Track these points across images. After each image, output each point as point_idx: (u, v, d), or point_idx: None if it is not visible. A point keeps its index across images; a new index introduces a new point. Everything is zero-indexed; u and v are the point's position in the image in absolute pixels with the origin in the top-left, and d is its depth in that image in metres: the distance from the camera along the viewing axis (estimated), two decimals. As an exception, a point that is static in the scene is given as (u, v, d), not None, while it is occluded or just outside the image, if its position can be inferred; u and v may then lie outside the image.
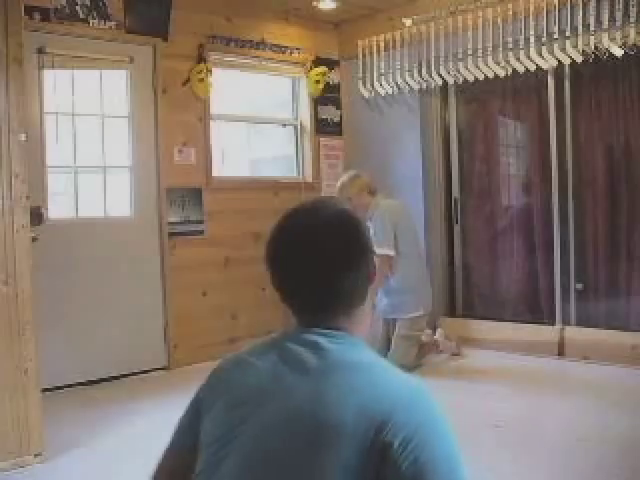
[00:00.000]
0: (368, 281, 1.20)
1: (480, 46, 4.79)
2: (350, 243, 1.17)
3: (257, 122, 5.82)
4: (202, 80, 4.90)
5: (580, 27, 4.29)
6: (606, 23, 4.17)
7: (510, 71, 4.69)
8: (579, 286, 4.73)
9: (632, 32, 4.07)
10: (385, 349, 4.38)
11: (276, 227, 1.21)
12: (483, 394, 3.90)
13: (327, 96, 5.77)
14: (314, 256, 1.14)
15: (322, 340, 1.11)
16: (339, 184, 4.46)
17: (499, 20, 4.68)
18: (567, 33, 4.36)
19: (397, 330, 4.36)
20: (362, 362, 1.09)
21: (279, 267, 1.18)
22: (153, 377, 4.58)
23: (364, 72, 5.50)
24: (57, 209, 4.36)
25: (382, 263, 4.17)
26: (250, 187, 5.35)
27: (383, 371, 1.08)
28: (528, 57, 4.57)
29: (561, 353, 4.64)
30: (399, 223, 4.37)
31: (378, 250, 4.13)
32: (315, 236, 1.16)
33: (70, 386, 4.22)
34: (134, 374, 4.54)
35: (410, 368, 4.13)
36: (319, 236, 1.15)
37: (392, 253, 4.28)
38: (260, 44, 5.34)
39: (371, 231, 4.04)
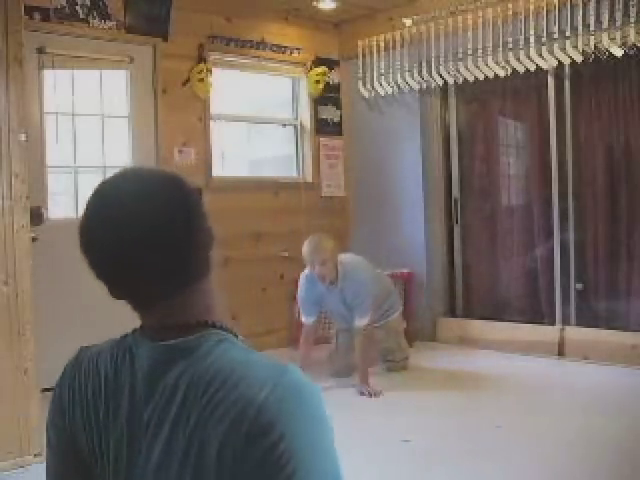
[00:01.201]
0: (203, 248, 1.04)
1: (480, 46, 4.79)
2: (161, 213, 1.01)
3: (257, 122, 5.82)
4: (202, 80, 4.90)
5: (580, 27, 4.29)
6: (606, 23, 4.17)
7: (510, 71, 4.69)
8: (579, 286, 4.73)
9: (632, 32, 4.07)
10: (346, 359, 4.31)
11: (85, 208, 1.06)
12: (483, 394, 3.90)
13: (327, 96, 5.77)
14: (120, 234, 0.99)
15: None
16: (311, 248, 4.02)
17: (499, 20, 4.68)
18: (567, 33, 4.36)
19: (387, 332, 4.36)
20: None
21: (91, 255, 1.03)
22: (153, 377, 4.57)
23: (364, 72, 5.50)
24: (57, 209, 4.36)
25: (367, 335, 4.05)
26: (250, 187, 5.35)
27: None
28: (528, 57, 4.57)
29: (561, 353, 4.64)
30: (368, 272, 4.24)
31: (364, 321, 4.01)
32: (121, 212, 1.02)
33: (70, 386, 4.21)
34: (134, 374, 4.53)
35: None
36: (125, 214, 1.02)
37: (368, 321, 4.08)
38: (260, 44, 5.34)
39: (349, 294, 4.01)
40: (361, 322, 4.04)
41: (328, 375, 4.28)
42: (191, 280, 1.02)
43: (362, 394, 3.97)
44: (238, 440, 0.85)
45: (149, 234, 0.98)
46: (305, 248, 4.04)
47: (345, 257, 4.22)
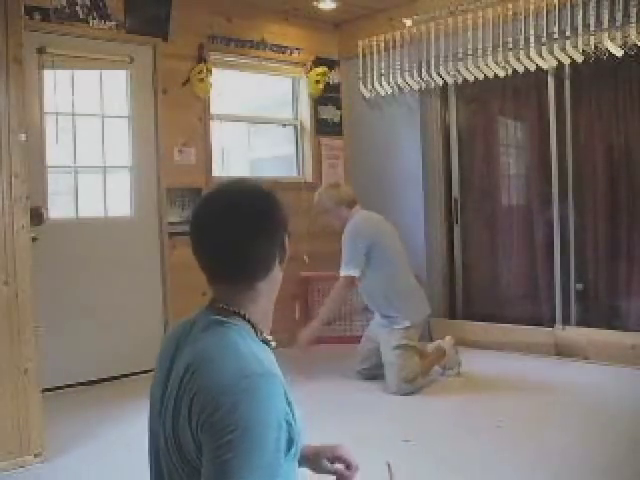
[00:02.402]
0: (270, 256, 1.28)
1: (480, 46, 4.79)
2: (246, 217, 1.25)
3: (257, 122, 5.82)
4: (202, 80, 4.90)
5: (580, 27, 4.29)
6: (606, 23, 4.17)
7: (510, 71, 4.69)
8: (579, 286, 4.73)
9: (632, 32, 4.07)
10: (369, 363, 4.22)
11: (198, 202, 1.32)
12: (483, 395, 3.90)
13: (327, 96, 5.77)
14: (215, 227, 1.24)
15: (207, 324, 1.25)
16: (316, 196, 4.25)
17: (499, 20, 4.68)
18: (567, 33, 4.36)
19: (388, 343, 4.01)
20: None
21: (193, 238, 1.29)
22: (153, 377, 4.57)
23: (364, 72, 5.50)
24: (57, 209, 4.36)
25: (344, 284, 4.06)
26: (250, 187, 5.34)
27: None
28: (528, 57, 4.57)
29: (561, 353, 4.64)
30: (376, 238, 4.09)
31: (342, 271, 4.05)
32: (219, 209, 1.26)
33: (70, 386, 4.22)
34: (134, 374, 4.53)
35: (417, 381, 3.95)
36: (221, 210, 1.26)
37: (356, 274, 4.05)
38: (260, 44, 5.34)
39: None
40: (340, 271, 4.05)
41: (356, 375, 4.27)
42: (246, 278, 1.27)
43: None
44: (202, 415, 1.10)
45: (225, 239, 1.24)
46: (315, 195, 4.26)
47: (363, 215, 4.22)
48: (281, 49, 5.47)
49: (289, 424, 1.15)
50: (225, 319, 1.24)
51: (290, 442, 1.16)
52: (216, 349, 1.17)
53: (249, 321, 1.26)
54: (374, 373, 4.18)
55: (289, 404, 1.18)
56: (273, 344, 1.30)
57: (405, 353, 3.98)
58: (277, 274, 1.31)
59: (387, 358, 4.01)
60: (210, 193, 1.32)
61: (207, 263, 1.27)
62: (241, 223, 1.24)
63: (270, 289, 1.31)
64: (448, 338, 4.38)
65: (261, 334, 1.28)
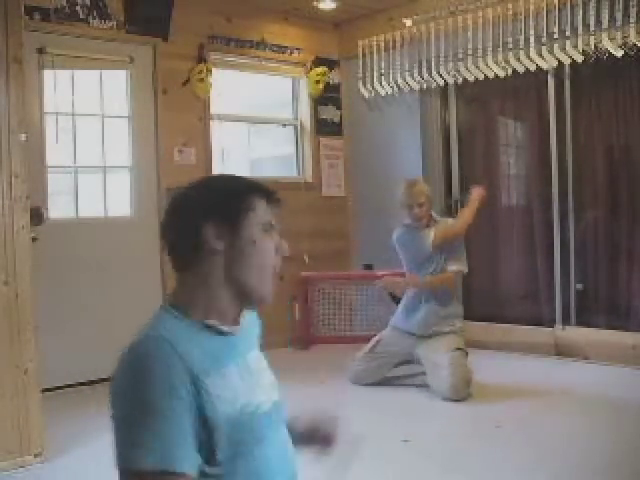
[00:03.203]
0: (193, 248, 1.23)
1: (480, 46, 4.79)
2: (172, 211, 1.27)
3: (257, 122, 5.82)
4: (202, 80, 4.90)
5: (580, 27, 4.29)
6: (606, 23, 4.17)
7: (510, 71, 4.69)
8: (579, 286, 4.73)
9: (632, 32, 4.07)
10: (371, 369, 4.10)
11: None
12: (483, 395, 3.90)
13: (327, 96, 5.77)
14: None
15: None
16: (416, 189, 4.02)
17: (499, 20, 4.68)
18: (567, 33, 4.36)
19: (447, 347, 3.87)
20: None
21: None
22: (153, 377, 4.57)
23: (364, 72, 5.50)
24: (57, 209, 4.36)
25: (455, 279, 4.10)
26: (250, 187, 5.34)
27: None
28: (528, 57, 4.57)
29: (561, 353, 4.64)
30: None
31: (456, 266, 4.01)
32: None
33: (70, 386, 4.22)
34: (134, 374, 4.53)
35: (469, 383, 3.85)
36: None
37: (466, 269, 4.11)
38: (260, 44, 5.34)
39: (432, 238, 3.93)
40: (453, 266, 4.01)
41: (347, 378, 4.18)
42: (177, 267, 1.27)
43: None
44: None
45: (164, 220, 1.29)
46: (404, 190, 4.05)
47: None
48: (281, 49, 5.47)
49: (200, 409, 1.10)
50: (165, 307, 1.23)
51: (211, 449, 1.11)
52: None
53: (177, 307, 1.21)
54: (373, 382, 4.11)
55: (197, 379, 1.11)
56: (224, 329, 1.23)
57: (465, 357, 3.95)
58: (205, 262, 1.22)
59: (447, 360, 3.82)
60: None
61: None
62: (166, 214, 1.28)
63: (206, 276, 1.22)
64: None
65: (202, 320, 1.21)
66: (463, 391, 3.80)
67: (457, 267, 4.04)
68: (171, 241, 1.26)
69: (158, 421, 1.05)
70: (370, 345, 4.15)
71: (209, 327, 1.21)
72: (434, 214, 4.12)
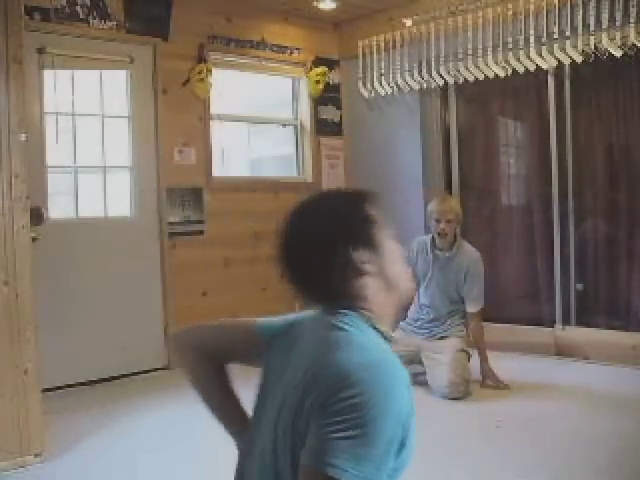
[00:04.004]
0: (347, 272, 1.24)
1: (480, 46, 4.79)
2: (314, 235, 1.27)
3: (257, 122, 5.82)
4: (202, 80, 4.90)
5: (580, 27, 4.29)
6: (606, 23, 4.17)
7: (510, 71, 4.69)
8: (579, 286, 4.73)
9: (632, 32, 4.07)
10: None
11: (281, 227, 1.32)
12: (483, 395, 3.90)
13: (327, 96, 5.77)
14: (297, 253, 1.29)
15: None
16: (447, 205, 4.09)
17: (499, 20, 4.68)
18: (567, 33, 4.36)
19: (450, 347, 3.94)
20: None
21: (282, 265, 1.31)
22: (153, 377, 4.58)
23: (364, 72, 5.50)
24: (57, 209, 4.36)
25: (480, 318, 4.07)
26: (250, 187, 5.35)
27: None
28: (528, 57, 4.57)
29: (561, 353, 4.64)
30: None
31: (479, 306, 4.02)
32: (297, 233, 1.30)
33: (70, 386, 4.22)
34: (134, 374, 4.54)
35: (468, 383, 3.90)
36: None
37: (482, 304, 4.08)
38: (260, 44, 5.34)
39: (463, 266, 3.97)
40: (474, 308, 4.02)
41: None
42: (327, 299, 1.28)
43: (488, 385, 3.96)
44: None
45: (298, 247, 1.28)
46: (436, 203, 4.11)
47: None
48: (281, 49, 5.47)
49: (405, 428, 1.13)
50: (338, 317, 1.24)
51: (401, 446, 1.13)
52: (336, 344, 1.17)
53: (363, 314, 1.26)
54: None
55: (411, 408, 1.16)
56: (392, 338, 1.31)
57: (465, 357, 4.00)
58: (361, 285, 1.26)
59: (448, 358, 3.89)
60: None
61: (296, 283, 1.32)
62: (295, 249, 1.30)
63: (375, 290, 1.27)
64: None
65: (378, 328, 1.27)
66: (460, 388, 3.82)
67: (477, 308, 4.05)
68: (315, 275, 1.26)
69: (383, 446, 1.07)
70: None
71: (385, 337, 1.28)
72: (459, 235, 4.17)
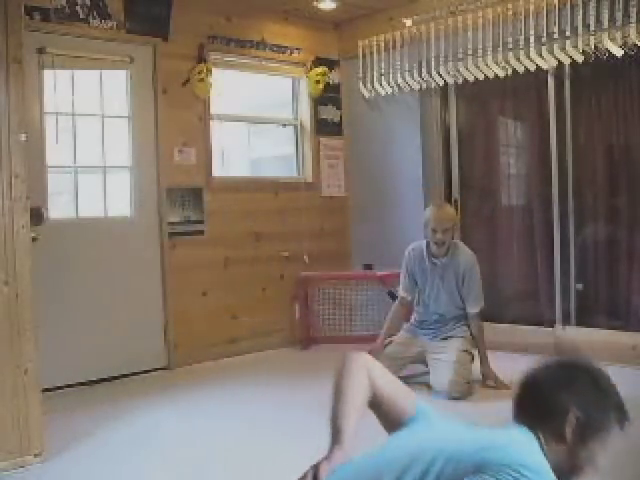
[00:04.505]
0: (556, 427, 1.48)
1: (480, 46, 4.79)
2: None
3: (257, 122, 5.82)
4: (202, 80, 4.90)
5: (580, 27, 4.29)
6: (606, 23, 4.17)
7: (510, 71, 4.68)
8: (579, 286, 4.73)
9: (632, 32, 4.07)
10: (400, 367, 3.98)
11: None
12: (483, 395, 3.90)
13: (327, 96, 5.77)
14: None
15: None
16: (444, 214, 4.03)
17: (499, 20, 4.68)
18: (567, 33, 4.36)
19: (453, 348, 3.93)
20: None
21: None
22: (153, 377, 4.58)
23: (364, 72, 5.50)
24: (57, 209, 4.36)
25: (480, 318, 4.06)
26: (250, 187, 5.35)
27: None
28: (528, 57, 4.57)
29: (561, 353, 4.63)
30: None
31: (478, 307, 4.01)
32: None
33: (70, 386, 4.22)
34: (134, 374, 4.54)
35: (470, 384, 3.91)
36: None
37: (482, 304, 4.08)
38: (260, 44, 5.34)
39: (460, 271, 3.95)
40: (474, 308, 4.00)
41: None
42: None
43: (488, 385, 3.95)
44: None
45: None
46: (432, 212, 4.04)
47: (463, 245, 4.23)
48: (281, 49, 5.47)
49: None
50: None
51: None
52: (518, 440, 1.42)
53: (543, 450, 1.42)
54: None
55: None
56: None
57: (468, 358, 3.98)
58: (559, 450, 1.46)
59: (451, 358, 3.88)
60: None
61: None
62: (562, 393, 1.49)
63: (558, 453, 1.44)
64: None
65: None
66: (461, 388, 3.81)
67: (477, 308, 4.04)
68: (551, 405, 1.47)
69: None
70: (383, 344, 4.15)
71: None
72: (455, 240, 4.15)
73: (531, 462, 1.33)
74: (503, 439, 1.41)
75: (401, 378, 4.05)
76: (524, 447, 1.38)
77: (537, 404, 1.48)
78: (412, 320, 4.23)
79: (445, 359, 3.89)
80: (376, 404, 1.58)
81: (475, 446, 1.37)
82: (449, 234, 4.00)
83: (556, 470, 1.41)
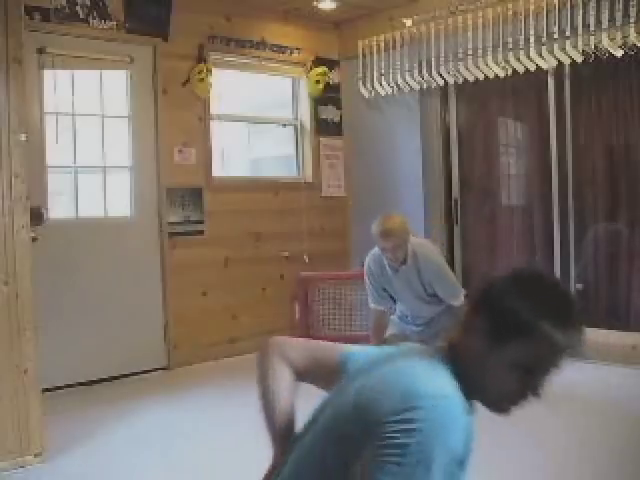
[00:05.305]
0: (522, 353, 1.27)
1: (480, 46, 4.79)
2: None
3: (257, 122, 5.82)
4: (202, 80, 4.90)
5: (580, 27, 4.29)
6: (606, 23, 4.17)
7: (510, 71, 4.68)
8: (579, 286, 4.73)
9: (632, 32, 4.07)
10: None
11: None
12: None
13: (327, 96, 5.77)
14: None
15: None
16: (390, 234, 3.70)
17: (499, 20, 4.68)
18: (567, 33, 4.36)
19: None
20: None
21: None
22: (153, 377, 4.58)
23: (364, 72, 5.50)
24: (57, 209, 4.36)
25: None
26: (250, 187, 5.35)
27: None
28: (528, 57, 4.57)
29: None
30: None
31: (460, 299, 3.72)
32: None
33: (70, 386, 4.22)
34: (134, 374, 4.54)
35: None
36: None
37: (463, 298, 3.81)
38: (260, 44, 5.34)
39: (425, 275, 3.69)
40: (456, 302, 3.72)
41: None
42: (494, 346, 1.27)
43: None
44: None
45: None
46: (378, 231, 3.73)
47: (421, 241, 4.02)
48: (281, 49, 5.47)
49: (455, 473, 1.16)
50: (434, 356, 1.27)
51: None
52: (412, 369, 1.23)
53: (458, 376, 1.24)
54: None
55: (466, 453, 1.22)
56: (474, 411, 1.33)
57: None
58: (506, 374, 1.28)
59: None
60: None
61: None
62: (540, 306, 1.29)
63: (494, 372, 1.27)
64: None
65: (467, 400, 1.26)
66: None
67: (458, 300, 3.75)
68: (510, 321, 1.24)
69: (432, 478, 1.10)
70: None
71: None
72: (412, 239, 3.84)
73: (425, 390, 1.16)
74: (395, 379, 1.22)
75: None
76: (416, 379, 1.19)
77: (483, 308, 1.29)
78: (397, 313, 4.03)
79: None
80: (305, 379, 1.51)
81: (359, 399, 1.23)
82: (400, 249, 3.71)
83: (497, 394, 1.31)
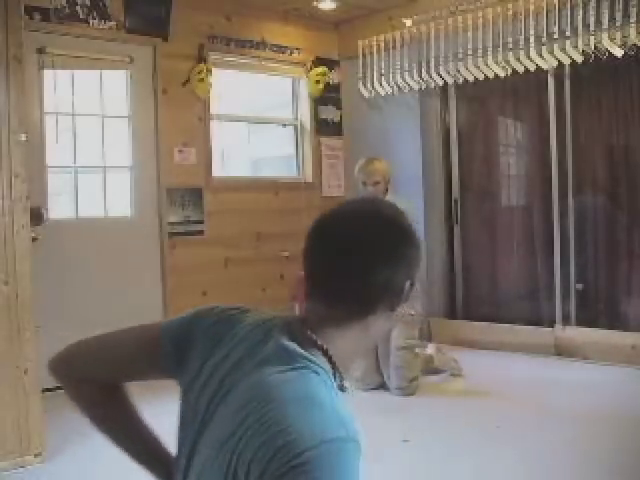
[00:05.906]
0: (396, 293, 1.08)
1: (480, 46, 4.79)
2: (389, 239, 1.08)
3: (257, 122, 5.82)
4: (202, 80, 4.90)
5: (580, 27, 4.29)
6: (606, 23, 4.17)
7: (510, 71, 4.69)
8: (579, 286, 4.73)
9: (632, 32, 4.07)
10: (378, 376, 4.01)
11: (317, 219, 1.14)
12: (483, 395, 3.90)
13: (327, 96, 5.77)
14: (344, 243, 1.07)
15: (289, 353, 1.03)
16: (372, 167, 3.92)
17: (499, 20, 4.68)
18: (567, 33, 4.36)
19: (394, 348, 3.89)
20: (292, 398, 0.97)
21: (308, 255, 1.12)
22: (153, 377, 4.57)
23: (364, 72, 5.50)
24: (57, 209, 4.36)
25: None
26: (250, 187, 5.35)
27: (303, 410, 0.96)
28: (528, 57, 4.57)
29: (561, 353, 4.64)
30: None
31: (413, 310, 3.77)
32: (352, 225, 1.09)
33: (70, 386, 4.21)
34: (134, 374, 4.53)
35: (416, 379, 3.92)
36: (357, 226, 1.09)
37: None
38: (260, 44, 5.34)
39: None
40: (412, 310, 3.80)
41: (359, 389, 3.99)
42: (349, 307, 1.07)
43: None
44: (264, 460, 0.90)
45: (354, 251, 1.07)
46: (362, 166, 3.95)
47: (398, 197, 3.95)
48: (281, 49, 5.47)
49: None
50: (303, 353, 1.03)
51: None
52: (290, 397, 0.96)
53: (331, 360, 1.06)
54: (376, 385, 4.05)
55: None
56: (347, 389, 1.12)
57: (409, 353, 3.95)
58: (381, 321, 1.10)
59: (392, 362, 3.91)
60: (354, 202, 1.19)
61: (319, 271, 1.10)
62: (382, 242, 1.06)
63: (366, 334, 1.10)
64: (431, 347, 4.49)
65: (340, 379, 1.09)
66: (408, 391, 3.89)
67: (415, 310, 3.85)
68: (377, 275, 1.05)
69: None
70: None
71: (340, 388, 1.08)
72: (390, 195, 3.90)
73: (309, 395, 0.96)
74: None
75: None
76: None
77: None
78: None
79: (390, 362, 3.90)
80: (127, 380, 1.30)
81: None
82: (380, 188, 3.87)
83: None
